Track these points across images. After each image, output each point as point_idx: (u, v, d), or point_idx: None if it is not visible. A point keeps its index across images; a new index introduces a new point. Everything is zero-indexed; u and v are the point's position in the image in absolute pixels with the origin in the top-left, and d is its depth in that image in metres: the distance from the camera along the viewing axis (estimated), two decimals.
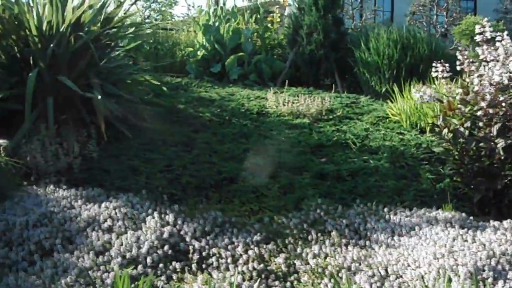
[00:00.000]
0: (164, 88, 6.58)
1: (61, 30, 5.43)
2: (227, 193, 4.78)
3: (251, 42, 8.35)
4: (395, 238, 4.06)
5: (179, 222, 4.05)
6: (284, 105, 6.59)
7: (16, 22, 5.42)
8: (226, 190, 4.81)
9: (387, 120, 6.60)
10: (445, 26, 14.34)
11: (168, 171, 4.96)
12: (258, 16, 8.78)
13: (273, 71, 8.18)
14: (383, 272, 3.53)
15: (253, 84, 7.91)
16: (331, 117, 6.57)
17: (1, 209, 4.18)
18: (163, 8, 12.50)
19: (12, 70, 5.38)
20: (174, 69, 7.76)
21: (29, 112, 5.01)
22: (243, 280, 3.39)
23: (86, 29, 5.68)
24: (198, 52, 8.25)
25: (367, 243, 4.03)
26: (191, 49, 8.42)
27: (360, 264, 3.66)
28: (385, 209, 4.50)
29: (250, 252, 3.77)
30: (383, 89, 7.73)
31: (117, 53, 6.25)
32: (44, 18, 5.53)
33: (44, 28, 5.47)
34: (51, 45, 5.36)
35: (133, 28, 6.24)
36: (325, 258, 3.78)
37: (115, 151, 5.26)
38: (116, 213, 4.10)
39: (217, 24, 8.35)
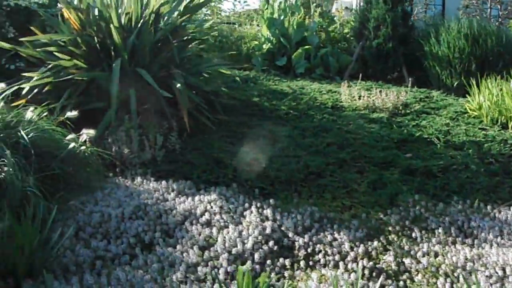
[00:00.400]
0: (238, 79, 6.44)
1: (141, 21, 5.31)
2: (317, 187, 4.61)
3: (317, 36, 8.16)
4: (505, 236, 3.86)
5: (278, 217, 3.90)
6: (359, 99, 6.39)
7: (96, 14, 5.33)
8: (315, 184, 4.65)
9: (466, 115, 6.35)
10: (500, 20, 13.94)
11: (255, 165, 4.81)
12: (323, 9, 8.59)
13: (339, 65, 7.98)
14: (500, 273, 3.34)
15: (320, 78, 7.72)
16: (407, 111, 6.35)
17: (93, 200, 4.07)
18: (213, 3, 12.38)
19: (92, 61, 5.28)
20: (239, 62, 7.60)
21: (115, 103, 4.91)
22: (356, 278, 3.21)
23: (165, 20, 5.56)
24: (264, 46, 8.09)
25: (475, 241, 3.84)
26: (256, 42, 8.27)
27: (474, 264, 3.47)
28: (488, 207, 4.29)
29: (356, 249, 3.62)
30: (455, 83, 7.47)
31: (192, 44, 6.11)
32: (124, 9, 5.43)
33: (123, 19, 5.36)
34: (131, 36, 5.26)
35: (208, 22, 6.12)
36: (435, 256, 3.60)
37: (198, 144, 5.13)
38: (211, 207, 3.97)
39: (282, 17, 8.17)
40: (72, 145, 4.19)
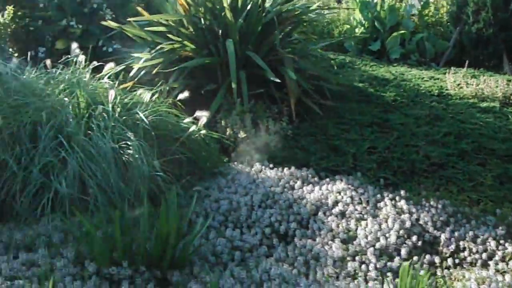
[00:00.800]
0: (333, 64, 6.23)
1: (250, 3, 5.12)
2: (440, 179, 4.36)
3: (411, 20, 7.83)
4: None
5: (413, 210, 3.68)
6: (467, 86, 6.07)
7: None
8: (438, 176, 4.40)
9: None
10: None
11: (373, 153, 4.59)
12: None
13: (435, 51, 7.64)
14: None
15: (415, 64, 7.40)
16: None
17: (216, 186, 3.93)
18: None
19: (199, 43, 5.13)
20: (331, 47, 7.35)
21: (237, 84, 4.77)
22: None
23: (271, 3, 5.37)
24: (356, 30, 7.81)
25: None
26: (348, 26, 7.99)
27: None
28: None
29: (501, 247, 3.37)
30: None
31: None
32: None
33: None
34: (240, 19, 5.09)
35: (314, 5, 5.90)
36: None
37: (310, 130, 4.94)
38: (342, 197, 3.77)
39: (375, 0, 7.88)
40: (192, 128, 4.05)
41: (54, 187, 3.36)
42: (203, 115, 4.24)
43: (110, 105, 3.96)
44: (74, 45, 4.77)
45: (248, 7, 5.10)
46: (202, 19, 5.21)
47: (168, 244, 2.84)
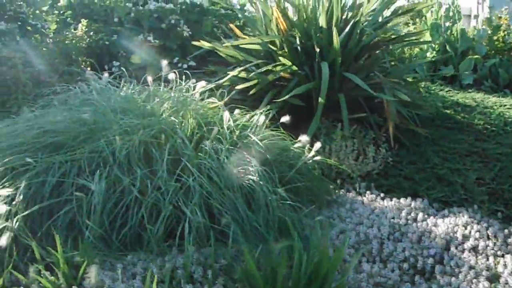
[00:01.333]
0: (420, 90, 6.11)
1: (350, 23, 5.01)
2: None
3: (483, 45, 7.70)
4: None
5: None
6: None
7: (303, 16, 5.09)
8: None
9: None
10: None
11: (482, 184, 4.44)
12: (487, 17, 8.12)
13: (510, 77, 7.49)
14: None
15: (489, 91, 7.24)
16: None
17: (336, 216, 3.79)
18: None
19: (295, 64, 5.02)
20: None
21: (321, 107, 4.64)
22: None
23: (369, 23, 5.25)
24: (428, 54, 7.68)
25: None
26: (418, 49, 7.87)
27: None
28: None
29: None
30: None
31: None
32: (328, 10, 5.15)
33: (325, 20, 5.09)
34: (334, 40, 4.97)
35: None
36: None
37: (409, 157, 4.80)
38: (470, 232, 3.61)
39: (446, 24, 7.75)
40: (311, 154, 3.92)
41: (187, 215, 3.20)
42: (304, 140, 4.09)
43: (226, 127, 3.83)
44: (164, 62, 4.65)
45: (347, 29, 4.97)
46: (297, 40, 5.10)
47: (327, 281, 2.70)
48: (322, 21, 4.93)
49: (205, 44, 5.30)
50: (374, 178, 4.49)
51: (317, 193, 3.94)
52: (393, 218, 3.75)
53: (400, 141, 4.96)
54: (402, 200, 4.02)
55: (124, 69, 4.93)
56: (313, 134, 4.69)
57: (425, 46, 7.78)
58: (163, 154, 3.56)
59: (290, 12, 5.46)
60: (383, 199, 4.11)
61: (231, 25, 5.47)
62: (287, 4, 5.38)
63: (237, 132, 3.84)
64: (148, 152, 3.68)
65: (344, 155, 4.46)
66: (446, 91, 6.82)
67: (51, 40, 7.00)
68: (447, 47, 7.58)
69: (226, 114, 3.91)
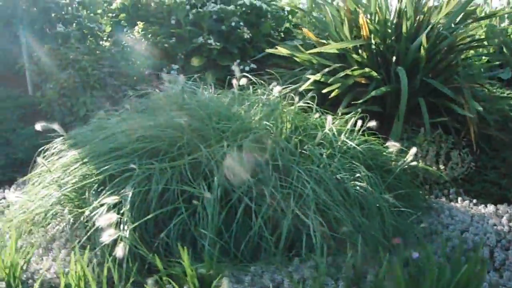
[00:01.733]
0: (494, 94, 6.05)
1: (427, 28, 4.97)
2: None
3: None
4: None
5: None
6: None
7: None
8: None
9: None
10: None
11: None
12: None
13: None
14: None
15: None
16: None
17: (437, 222, 3.75)
18: None
19: (372, 69, 4.98)
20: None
21: (403, 112, 4.61)
22: None
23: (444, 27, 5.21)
24: (483, 56, 7.61)
25: None
26: (472, 51, 7.79)
27: None
28: None
29: None
30: None
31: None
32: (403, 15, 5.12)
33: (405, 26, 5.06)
34: (411, 44, 4.95)
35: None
36: None
37: (492, 162, 4.76)
38: None
39: (502, 24, 7.69)
40: (409, 159, 3.87)
41: (306, 224, 3.15)
42: (394, 145, 4.06)
43: (330, 132, 3.79)
44: (235, 67, 4.57)
45: (425, 32, 4.93)
46: (374, 45, 5.06)
47: None
48: (404, 27, 4.88)
49: (283, 51, 5.26)
50: (459, 183, 4.45)
51: (415, 199, 3.91)
52: (495, 225, 3.70)
53: (480, 146, 4.91)
54: (499, 206, 3.98)
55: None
56: (397, 138, 4.67)
57: (480, 49, 7.70)
58: (267, 160, 3.51)
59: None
60: (476, 205, 4.07)
61: (304, 29, 5.41)
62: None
63: (343, 137, 3.79)
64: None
65: (430, 160, 4.42)
66: (507, 94, 6.75)
67: (107, 43, 7.01)
68: (504, 49, 7.51)
69: (329, 119, 3.88)
